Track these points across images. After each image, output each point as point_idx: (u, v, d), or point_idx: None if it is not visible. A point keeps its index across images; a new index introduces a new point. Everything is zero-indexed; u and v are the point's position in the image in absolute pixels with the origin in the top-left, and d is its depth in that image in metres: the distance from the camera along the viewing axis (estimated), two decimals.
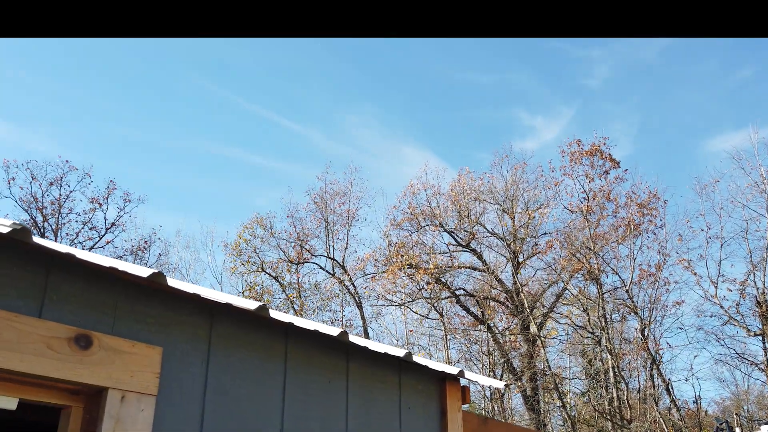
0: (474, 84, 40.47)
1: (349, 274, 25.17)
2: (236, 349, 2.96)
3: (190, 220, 50.54)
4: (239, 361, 2.95)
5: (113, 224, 24.56)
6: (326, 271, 26.34)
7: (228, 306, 2.82)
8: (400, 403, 3.81)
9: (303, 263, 25.89)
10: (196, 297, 2.66)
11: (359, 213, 26.47)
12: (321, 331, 3.13)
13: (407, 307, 26.40)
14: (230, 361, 2.91)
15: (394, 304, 26.24)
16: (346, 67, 42.11)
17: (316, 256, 26.03)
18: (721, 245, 23.36)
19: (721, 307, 23.60)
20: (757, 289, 23.20)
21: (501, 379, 27.88)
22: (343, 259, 25.73)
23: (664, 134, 41.49)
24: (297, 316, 25.07)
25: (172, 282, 2.61)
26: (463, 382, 4.37)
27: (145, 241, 25.63)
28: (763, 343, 23.34)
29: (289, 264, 25.55)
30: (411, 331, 29.03)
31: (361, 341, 3.43)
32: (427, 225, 23.98)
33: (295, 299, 25.82)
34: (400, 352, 3.59)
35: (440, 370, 3.96)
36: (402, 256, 23.22)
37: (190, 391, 2.72)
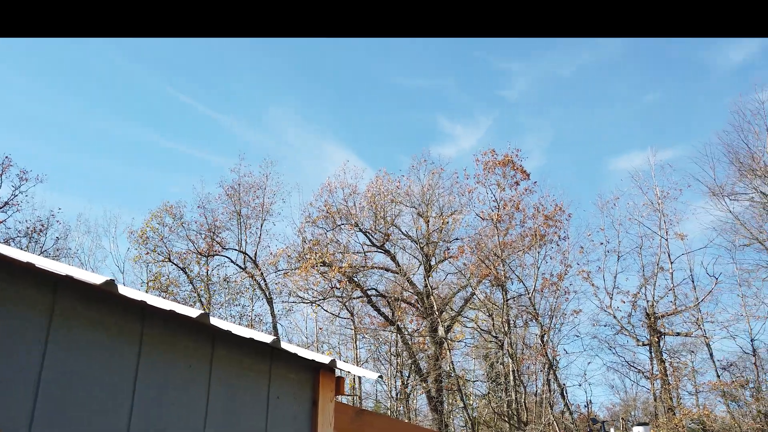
0: (400, 87, 40.91)
1: (260, 269, 24.73)
2: (82, 328, 2.79)
3: (94, 204, 48.05)
4: (85, 341, 2.79)
5: (6, 203, 22.91)
6: (237, 264, 25.77)
7: (70, 280, 2.65)
8: (269, 392, 3.74)
9: (213, 256, 25.20)
10: (30, 266, 2.49)
11: (274, 207, 26.10)
12: (178, 312, 3.02)
13: (318, 305, 26.26)
14: (74, 340, 2.75)
15: (306, 301, 26.04)
16: (272, 58, 41.48)
17: (227, 249, 25.42)
18: (618, 259, 24.84)
19: (615, 317, 25.05)
20: (647, 302, 24.78)
21: (407, 380, 28.27)
22: (255, 254, 25.29)
23: (573, 150, 43.58)
24: (204, 309, 24.35)
25: (4, 249, 2.43)
26: (341, 373, 4.37)
27: (42, 224, 24.10)
28: (650, 353, 24.94)
29: (199, 256, 24.79)
30: (321, 329, 28.93)
31: (225, 325, 3.34)
32: (342, 224, 23.98)
33: (202, 292, 25.07)
34: (268, 339, 3.52)
35: (312, 359, 3.92)
36: (316, 253, 23.07)
37: (26, 370, 2.54)
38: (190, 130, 42.45)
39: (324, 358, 3.99)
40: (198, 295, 24.94)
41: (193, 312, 3.08)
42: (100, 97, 39.62)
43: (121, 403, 2.88)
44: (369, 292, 25.46)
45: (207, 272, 25.17)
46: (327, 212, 23.52)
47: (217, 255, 25.55)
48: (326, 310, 26.95)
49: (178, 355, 3.19)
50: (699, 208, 36.69)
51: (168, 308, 2.99)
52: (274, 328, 25.76)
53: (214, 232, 25.00)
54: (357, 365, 29.64)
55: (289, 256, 24.12)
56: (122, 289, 2.79)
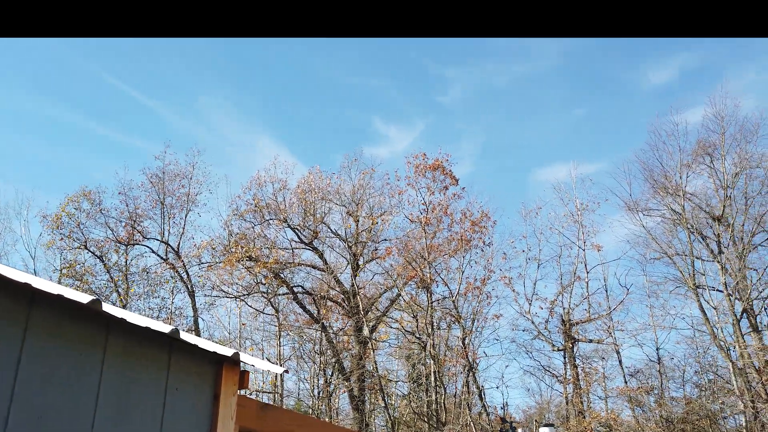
0: (337, 84, 40.77)
1: (183, 261, 24.03)
2: None
3: (7, 184, 45.25)
4: None
5: None
6: (158, 255, 24.92)
7: None
8: (167, 384, 3.65)
9: (133, 245, 24.26)
10: None
11: (200, 198, 25.42)
12: (67, 296, 2.90)
13: (243, 300, 25.79)
14: None
15: (230, 296, 25.52)
16: (206, 43, 40.42)
17: (148, 238, 24.52)
18: (538, 266, 25.74)
19: (533, 323, 25.94)
20: (564, 309, 25.80)
21: (330, 379, 28.22)
22: (178, 245, 24.53)
23: (502, 158, 44.86)
24: (120, 300, 23.38)
25: None
26: (246, 366, 4.31)
27: None
28: (564, 358, 25.97)
29: (118, 244, 23.81)
30: (244, 324, 28.42)
31: (120, 312, 3.24)
32: (271, 219, 23.64)
33: (120, 282, 24.10)
34: (166, 328, 3.44)
35: (214, 351, 3.85)
36: (242, 247, 22.65)
37: None
38: (116, 112, 40.77)
39: (227, 351, 3.93)
40: (115, 285, 23.96)
41: (84, 297, 2.97)
42: (20, 72, 37.41)
43: (2, 391, 2.74)
44: (295, 289, 25.25)
45: (126, 262, 24.23)
46: (255, 206, 23.13)
47: (138, 244, 24.62)
48: (250, 306, 26.52)
49: (67, 343, 3.06)
50: (615, 222, 38.69)
51: (56, 292, 2.87)
52: (195, 322, 25.11)
53: (135, 221, 24.07)
54: (280, 363, 29.30)
55: (213, 248, 23.57)
56: (5, 270, 2.66)
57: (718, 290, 23.95)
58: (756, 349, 23.08)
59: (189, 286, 24.47)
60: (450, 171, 21.78)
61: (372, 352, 25.63)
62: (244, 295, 24.78)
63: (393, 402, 32.31)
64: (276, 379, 27.97)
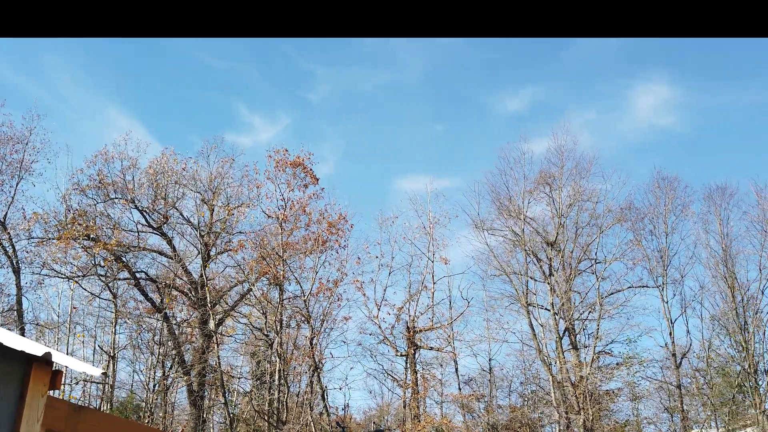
0: (203, 65, 39.02)
1: (9, 233, 21.60)
2: None
3: None
4: None
5: None
6: None
7: None
8: None
9: None
10: None
11: (35, 167, 22.95)
12: None
13: (77, 281, 23.79)
14: None
15: (62, 276, 23.42)
16: None
17: None
18: (389, 273, 26.55)
19: (380, 327, 26.68)
20: (409, 316, 26.84)
21: (169, 372, 26.90)
22: (5, 215, 21.99)
23: (364, 163, 45.79)
24: None
25: None
26: (60, 366, 3.97)
27: None
28: (406, 363, 27.00)
29: None
30: (76, 308, 26.28)
31: None
32: (117, 198, 22.00)
33: None
34: None
35: (21, 350, 3.50)
36: (81, 225, 20.85)
37: None
38: None
39: (37, 350, 3.59)
40: None
41: None
42: None
43: None
44: (138, 275, 23.75)
45: None
46: (100, 182, 21.39)
47: None
48: (85, 289, 24.53)
49: None
50: (462, 237, 41.00)
51: None
52: (18, 302, 22.69)
53: None
54: (114, 351, 27.31)
55: (46, 222, 21.42)
56: None
57: (546, 309, 26.32)
58: (573, 365, 25.63)
59: (14, 262, 22.06)
60: (311, 170, 21.78)
61: (216, 347, 24.82)
62: (78, 276, 22.86)
63: (234, 399, 31.54)
64: (106, 368, 26.11)
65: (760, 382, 24.77)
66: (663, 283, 26.55)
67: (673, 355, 26.01)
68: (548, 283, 25.83)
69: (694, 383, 26.77)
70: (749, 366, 24.39)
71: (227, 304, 26.34)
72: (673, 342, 26.18)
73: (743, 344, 24.75)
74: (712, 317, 26.27)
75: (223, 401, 26.17)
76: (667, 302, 26.45)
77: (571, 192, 25.96)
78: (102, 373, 4.03)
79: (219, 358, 25.21)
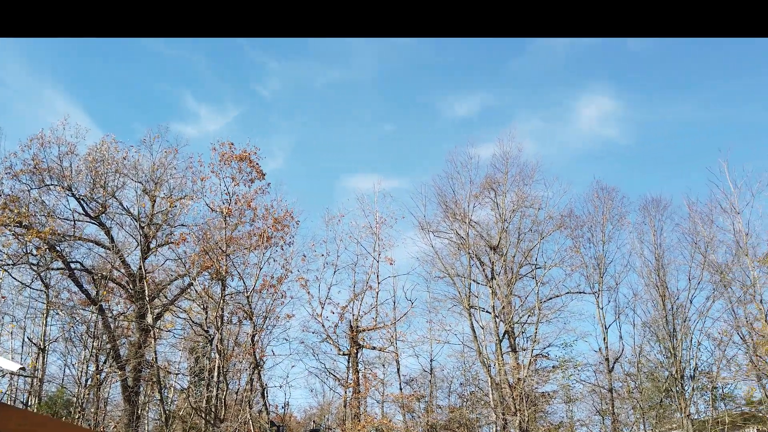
0: (149, 50, 38.17)
1: None
2: None
3: None
4: None
5: None
6: None
7: None
8: None
9: None
10: None
11: None
12: None
13: (6, 270, 22.91)
14: None
15: None
16: None
17: None
18: (334, 272, 26.51)
19: (323, 326, 26.59)
20: (353, 315, 26.86)
21: (103, 366, 26.20)
22: None
23: (312, 160, 45.64)
24: None
25: None
26: None
27: None
28: (348, 362, 27.00)
29: None
30: (4, 297, 25.28)
31: None
32: (52, 184, 21.32)
33: None
34: None
35: None
36: (12, 210, 20.11)
37: None
38: None
39: None
40: None
41: None
42: None
43: None
44: (73, 265, 23.05)
45: None
46: (35, 167, 20.67)
47: None
48: (15, 278, 23.64)
49: None
50: (408, 239, 41.35)
51: None
52: None
53: None
54: (44, 343, 26.41)
55: None
56: None
57: (487, 311, 26.76)
58: (512, 367, 26.14)
59: None
60: (257, 164, 21.57)
61: (153, 341, 24.31)
62: (8, 264, 22.02)
63: (170, 396, 30.93)
64: (35, 361, 25.28)
65: (686, 387, 25.78)
66: (599, 290, 27.37)
67: (606, 359, 26.81)
68: (490, 287, 26.29)
69: (624, 387, 27.67)
70: (676, 371, 25.35)
71: (166, 298, 25.85)
72: (606, 347, 26.99)
73: (671, 350, 25.72)
74: (644, 324, 27.24)
75: (158, 398, 25.61)
76: (602, 308, 27.29)
77: (514, 198, 26.52)
78: (20, 368, 3.94)
79: (156, 353, 24.69)
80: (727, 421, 26.82)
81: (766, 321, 24.91)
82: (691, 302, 26.27)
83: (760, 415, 26.25)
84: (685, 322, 25.96)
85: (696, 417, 26.84)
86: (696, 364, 26.12)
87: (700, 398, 27.65)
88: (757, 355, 25.03)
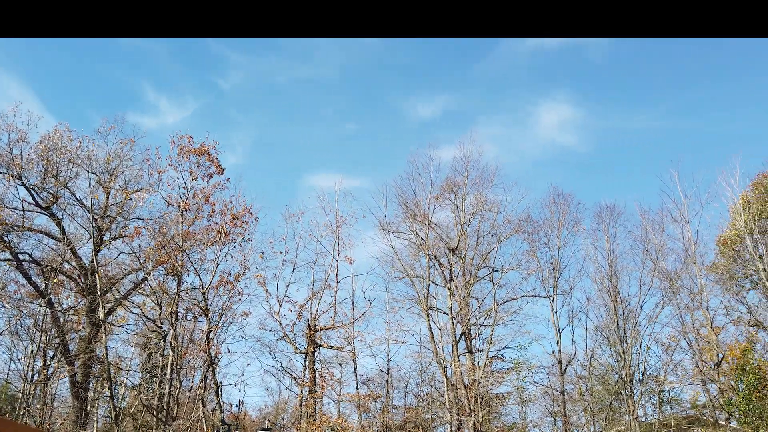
0: (109, 39, 37.27)
1: None
2: None
3: None
4: None
5: None
6: None
7: None
8: None
9: None
10: None
11: None
12: None
13: None
14: None
15: None
16: None
17: None
18: (293, 270, 26.35)
19: (280, 324, 26.39)
20: (311, 314, 26.73)
21: (51, 361, 25.49)
22: None
23: (274, 157, 45.29)
24: None
25: None
26: None
27: None
28: (305, 361, 26.84)
29: None
30: None
31: None
32: (1, 173, 20.62)
33: None
34: None
35: None
36: None
37: None
38: None
39: None
40: None
41: None
42: None
43: None
44: (21, 256, 22.33)
45: None
46: None
47: None
48: None
49: None
50: (368, 238, 41.49)
51: None
52: None
53: None
54: None
55: None
56: None
57: (444, 313, 26.97)
58: (467, 368, 26.40)
59: None
60: (216, 159, 21.29)
61: (104, 337, 23.75)
62: None
63: (121, 392, 30.27)
64: None
65: (635, 391, 26.50)
66: (553, 294, 27.91)
67: (559, 362, 27.34)
68: (448, 288, 26.51)
69: (576, 389, 28.28)
70: (626, 375, 26.03)
71: (119, 292, 25.28)
72: (559, 350, 27.55)
73: (622, 354, 26.39)
74: (596, 328, 27.89)
75: (108, 394, 25.02)
76: (556, 312, 27.84)
77: (474, 201, 26.82)
78: None
79: (107, 349, 24.10)
80: (672, 424, 27.69)
81: (711, 327, 25.81)
82: (641, 308, 27.06)
83: (704, 418, 27.18)
84: (635, 327, 26.67)
85: (643, 419, 27.63)
86: (645, 368, 26.90)
87: (647, 401, 28.48)
88: (702, 361, 25.90)
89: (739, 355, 24.06)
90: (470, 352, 27.42)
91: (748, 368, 23.45)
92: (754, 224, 25.83)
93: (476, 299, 27.61)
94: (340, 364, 29.36)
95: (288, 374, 28.32)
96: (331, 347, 27.88)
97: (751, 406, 22.73)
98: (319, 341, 27.20)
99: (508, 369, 28.18)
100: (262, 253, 24.70)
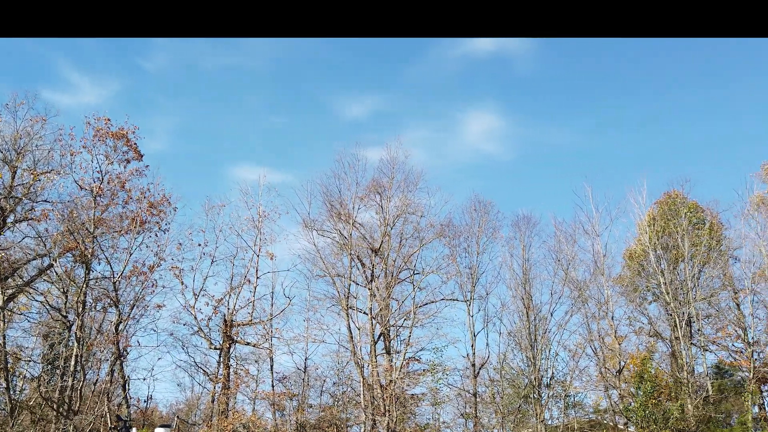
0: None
1: None
2: None
3: None
4: None
5: None
6: None
7: None
8: None
9: None
10: None
11: None
12: None
13: None
14: None
15: None
16: None
17: None
18: (212, 263, 25.65)
19: (195, 318, 25.63)
20: (229, 309, 26.13)
21: None
22: None
23: (196, 145, 44.11)
24: None
25: None
26: None
27: None
28: (220, 357, 26.21)
29: None
30: None
31: None
32: None
33: None
34: None
35: None
36: None
37: None
38: None
39: None
40: None
41: None
42: None
43: None
44: None
45: None
46: None
47: None
48: None
49: None
50: (291, 235, 41.03)
51: None
52: None
53: None
54: None
55: None
56: None
57: (364, 313, 27.05)
58: (384, 368, 26.59)
59: None
60: (135, 144, 20.45)
61: (3, 324, 22.35)
62: None
63: (20, 384, 28.59)
64: None
65: (543, 395, 27.55)
66: (470, 298, 28.64)
67: (473, 365, 28.04)
68: (369, 289, 26.62)
69: (488, 392, 29.07)
70: (535, 379, 27.03)
71: (21, 278, 23.86)
72: (474, 353, 28.26)
73: (532, 359, 27.38)
74: (509, 333, 28.81)
75: (5, 385, 23.53)
76: (472, 316, 28.58)
77: (398, 203, 27.07)
78: None
79: (4, 337, 22.71)
80: (576, 428, 28.99)
81: (615, 336, 27.21)
82: (551, 315, 28.19)
83: (605, 422, 28.61)
84: (545, 333, 27.75)
85: (550, 422, 28.77)
86: (552, 373, 28.03)
87: (554, 405, 29.69)
88: (605, 368, 27.25)
89: (639, 364, 25.53)
90: (388, 352, 27.65)
91: (645, 376, 24.91)
92: (658, 240, 27.48)
93: (396, 300, 27.87)
94: (256, 361, 28.92)
95: (201, 370, 27.57)
96: (248, 344, 27.37)
97: (647, 411, 24.14)
98: (235, 337, 26.65)
99: (424, 370, 28.60)
100: (180, 244, 23.98)
